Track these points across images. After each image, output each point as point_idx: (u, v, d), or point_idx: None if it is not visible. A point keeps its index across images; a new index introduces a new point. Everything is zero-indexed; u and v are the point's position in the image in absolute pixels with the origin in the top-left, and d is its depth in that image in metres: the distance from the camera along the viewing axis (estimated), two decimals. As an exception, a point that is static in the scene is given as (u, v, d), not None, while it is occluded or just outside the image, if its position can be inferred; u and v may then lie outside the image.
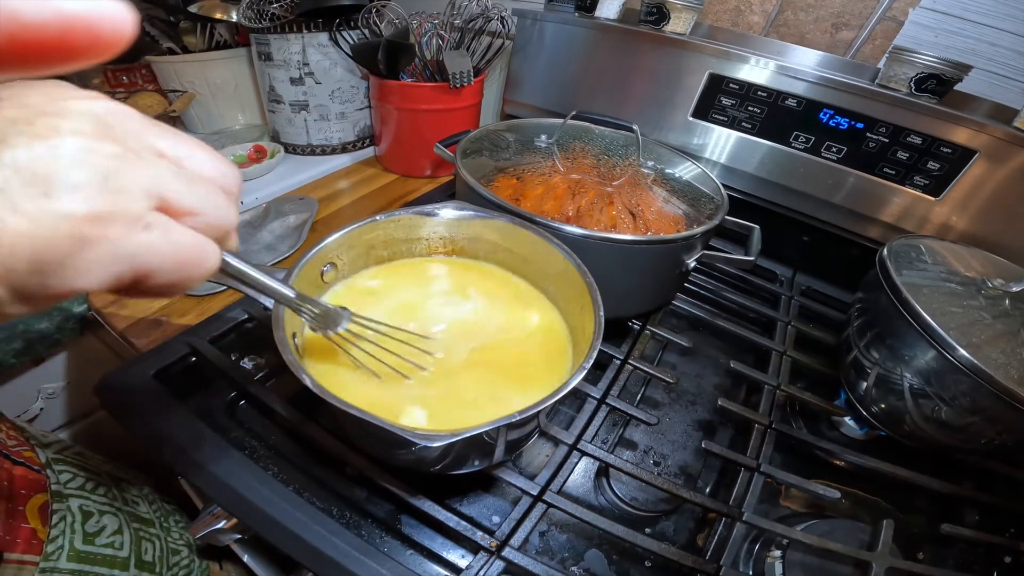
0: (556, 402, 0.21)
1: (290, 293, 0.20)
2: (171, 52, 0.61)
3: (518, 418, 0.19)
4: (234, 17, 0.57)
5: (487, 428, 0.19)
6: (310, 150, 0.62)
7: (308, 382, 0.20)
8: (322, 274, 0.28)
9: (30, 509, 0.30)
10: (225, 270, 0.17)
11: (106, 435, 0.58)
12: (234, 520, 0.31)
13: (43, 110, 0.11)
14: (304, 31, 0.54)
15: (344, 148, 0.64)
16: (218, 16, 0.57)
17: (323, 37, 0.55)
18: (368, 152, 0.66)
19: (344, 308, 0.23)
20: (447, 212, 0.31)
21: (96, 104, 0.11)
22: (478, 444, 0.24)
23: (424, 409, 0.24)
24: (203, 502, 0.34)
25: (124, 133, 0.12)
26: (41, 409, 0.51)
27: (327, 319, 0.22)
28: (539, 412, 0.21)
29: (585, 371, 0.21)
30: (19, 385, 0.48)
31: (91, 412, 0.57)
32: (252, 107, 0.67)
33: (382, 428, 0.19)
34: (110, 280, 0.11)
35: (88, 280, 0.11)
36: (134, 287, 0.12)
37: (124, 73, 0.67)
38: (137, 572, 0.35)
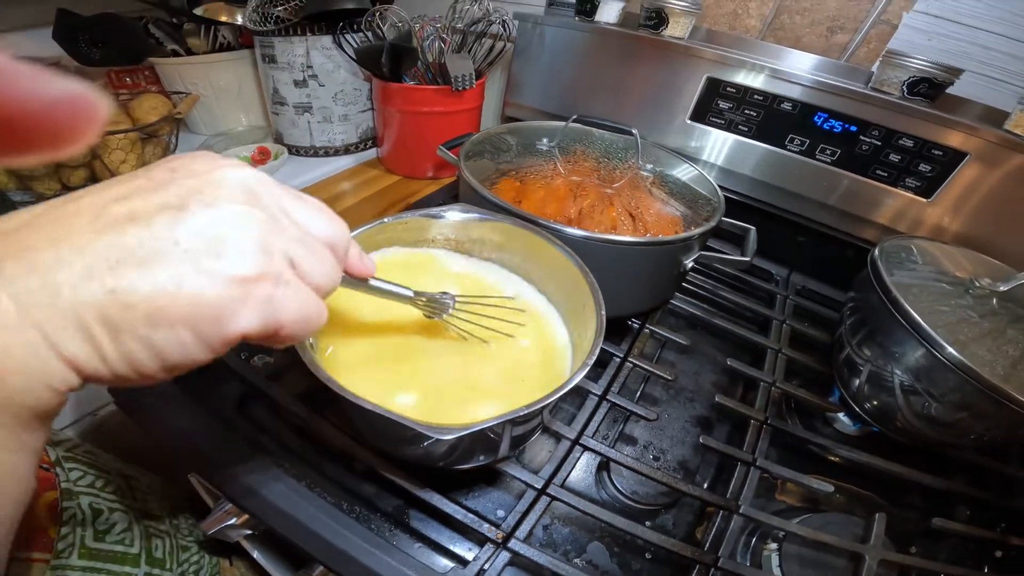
0: (559, 398, 0.22)
1: (410, 293, 0.24)
2: (175, 54, 0.61)
3: (525, 412, 0.20)
4: (239, 20, 0.57)
5: (496, 422, 0.20)
6: (313, 152, 0.63)
7: (326, 379, 0.20)
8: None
9: (40, 507, 0.31)
10: (371, 290, 0.22)
11: (113, 432, 0.59)
12: (245, 516, 0.32)
13: (208, 179, 0.13)
14: (308, 34, 0.55)
15: (347, 150, 0.64)
16: (223, 19, 0.58)
17: (327, 40, 0.56)
18: (371, 154, 0.66)
19: (446, 293, 0.26)
20: (453, 214, 0.32)
21: (245, 173, 0.14)
22: (485, 439, 0.25)
23: (421, 406, 0.25)
24: (213, 499, 0.35)
25: (266, 198, 0.14)
26: (49, 408, 0.52)
27: (438, 306, 0.26)
28: (544, 408, 0.22)
29: (588, 368, 0.22)
30: (28, 384, 0.48)
31: (97, 409, 0.58)
32: (255, 109, 0.68)
33: (395, 423, 0.19)
34: (259, 327, 0.13)
35: (246, 326, 0.13)
36: (269, 338, 0.14)
37: (128, 75, 0.67)
38: (148, 568, 0.35)
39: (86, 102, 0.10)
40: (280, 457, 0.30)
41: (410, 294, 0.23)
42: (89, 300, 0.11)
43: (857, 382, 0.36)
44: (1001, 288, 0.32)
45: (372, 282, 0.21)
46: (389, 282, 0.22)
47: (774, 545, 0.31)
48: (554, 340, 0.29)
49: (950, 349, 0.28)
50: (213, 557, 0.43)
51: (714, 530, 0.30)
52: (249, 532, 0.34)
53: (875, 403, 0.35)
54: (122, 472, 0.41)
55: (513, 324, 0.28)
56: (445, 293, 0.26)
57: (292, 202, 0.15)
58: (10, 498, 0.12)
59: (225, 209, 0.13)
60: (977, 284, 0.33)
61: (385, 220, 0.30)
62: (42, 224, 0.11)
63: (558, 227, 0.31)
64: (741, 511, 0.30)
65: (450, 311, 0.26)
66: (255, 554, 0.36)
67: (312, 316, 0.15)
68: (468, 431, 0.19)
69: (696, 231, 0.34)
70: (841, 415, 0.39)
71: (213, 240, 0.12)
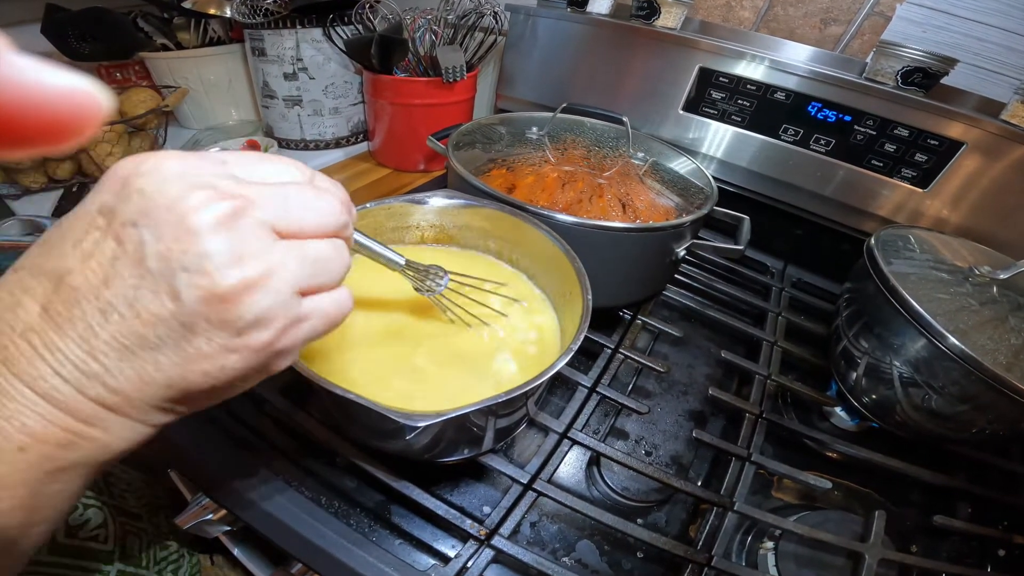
0: (544, 386, 0.21)
1: (400, 260, 0.22)
2: (165, 48, 0.61)
3: (504, 399, 0.19)
4: (228, 13, 0.57)
5: (472, 409, 0.19)
6: (304, 145, 0.63)
7: (296, 366, 0.19)
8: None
9: None
10: (355, 249, 0.19)
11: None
12: (223, 511, 0.31)
13: (173, 224, 0.12)
14: (298, 26, 0.54)
15: (338, 143, 0.64)
16: (212, 12, 0.57)
17: (317, 32, 0.56)
18: (362, 147, 0.66)
19: (438, 267, 0.24)
20: (437, 200, 0.31)
21: (188, 190, 0.12)
22: (466, 430, 0.24)
23: (408, 399, 0.24)
24: (191, 493, 0.34)
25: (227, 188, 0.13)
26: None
27: (431, 281, 0.24)
28: (526, 396, 0.21)
29: (572, 353, 0.21)
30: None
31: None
32: (246, 103, 0.67)
33: (368, 410, 0.19)
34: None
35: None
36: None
37: (118, 69, 0.67)
38: (122, 566, 0.35)
39: (88, 96, 0.10)
40: (259, 451, 0.29)
41: (401, 261, 0.21)
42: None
43: (855, 375, 0.35)
44: (1001, 276, 0.31)
45: (357, 237, 0.19)
46: (377, 241, 0.20)
47: (770, 544, 0.30)
48: (544, 328, 0.29)
49: (951, 338, 0.27)
50: (194, 555, 0.42)
51: (708, 528, 0.29)
52: (228, 528, 0.33)
53: (873, 396, 0.34)
54: (100, 468, 0.40)
55: (499, 311, 0.27)
56: (438, 267, 0.24)
57: (244, 167, 0.14)
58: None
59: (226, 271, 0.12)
60: (976, 272, 0.32)
61: (368, 205, 0.29)
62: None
63: (547, 212, 0.30)
64: (736, 508, 0.29)
65: (442, 289, 0.24)
66: (235, 551, 0.35)
67: (333, 266, 0.15)
68: (442, 418, 0.18)
69: (687, 218, 0.33)
70: (839, 409, 0.38)
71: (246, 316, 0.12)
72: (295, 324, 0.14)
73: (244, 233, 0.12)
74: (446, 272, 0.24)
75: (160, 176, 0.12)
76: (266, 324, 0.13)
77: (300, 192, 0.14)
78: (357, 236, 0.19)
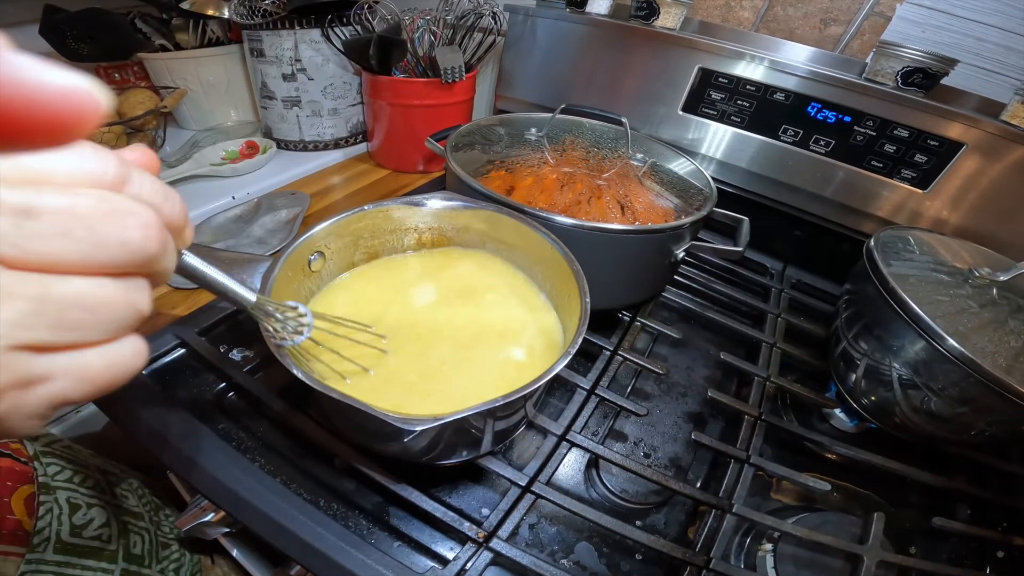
0: (541, 390, 0.21)
1: (251, 297, 0.16)
2: (163, 49, 0.61)
3: (501, 403, 0.19)
4: (226, 13, 0.57)
5: (469, 413, 0.19)
6: (302, 146, 0.62)
7: (293, 369, 0.19)
8: (309, 262, 0.27)
9: (15, 500, 0.30)
10: (183, 270, 0.14)
11: (96, 431, 0.58)
12: (221, 513, 0.31)
13: None
14: (296, 27, 0.54)
15: (336, 144, 0.64)
16: (210, 12, 0.57)
17: (315, 33, 0.55)
18: (361, 148, 0.66)
19: (297, 306, 0.20)
20: (435, 203, 0.31)
21: None
22: (464, 432, 0.24)
23: (412, 399, 0.24)
24: (190, 495, 0.34)
25: None
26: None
27: (290, 325, 0.19)
28: (524, 399, 0.21)
29: (570, 356, 0.21)
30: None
31: (81, 407, 0.57)
32: (245, 103, 0.67)
33: (365, 413, 0.19)
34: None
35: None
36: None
37: (116, 70, 0.67)
38: (126, 565, 0.35)
39: (87, 95, 0.09)
40: (257, 453, 0.29)
41: (251, 299, 0.16)
42: None
43: (854, 377, 0.35)
44: (1001, 278, 0.31)
45: (186, 258, 0.13)
46: (221, 271, 0.14)
47: (769, 546, 0.30)
48: (548, 331, 0.29)
49: (950, 340, 0.27)
50: (195, 555, 0.42)
51: (706, 530, 0.29)
52: (226, 530, 0.33)
53: (873, 398, 0.34)
54: (101, 468, 0.40)
55: (376, 352, 0.22)
56: (300, 308, 0.18)
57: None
58: None
59: None
60: (976, 274, 0.32)
61: (366, 208, 0.29)
62: None
63: (545, 215, 0.30)
64: (734, 510, 0.29)
65: (305, 337, 0.18)
66: (234, 552, 0.35)
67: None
68: (439, 422, 0.18)
69: (686, 220, 0.33)
70: (838, 411, 0.38)
71: None
72: (20, 387, 0.10)
73: None
74: (308, 314, 0.19)
75: None
76: None
77: (67, 205, 0.10)
78: (195, 264, 0.14)
